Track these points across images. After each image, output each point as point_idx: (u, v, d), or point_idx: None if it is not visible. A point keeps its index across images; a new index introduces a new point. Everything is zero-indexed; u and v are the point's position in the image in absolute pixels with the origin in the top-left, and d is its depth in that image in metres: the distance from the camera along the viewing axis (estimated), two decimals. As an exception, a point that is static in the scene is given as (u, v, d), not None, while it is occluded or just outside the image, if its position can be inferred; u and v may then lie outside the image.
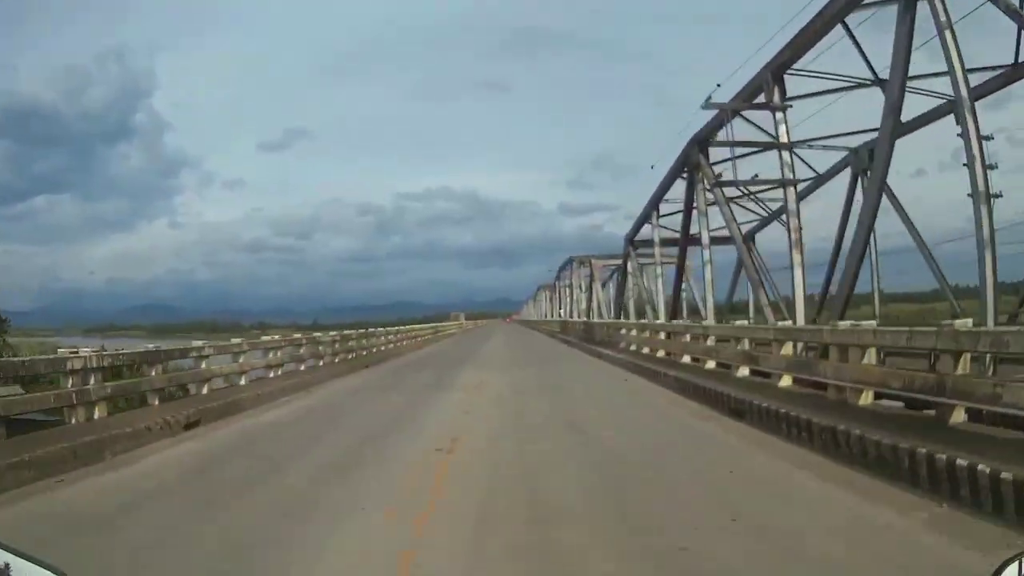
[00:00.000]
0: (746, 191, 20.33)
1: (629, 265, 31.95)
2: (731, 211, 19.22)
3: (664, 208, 25.13)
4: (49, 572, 0.93)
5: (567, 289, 58.58)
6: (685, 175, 20.98)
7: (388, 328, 33.08)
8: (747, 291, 23.10)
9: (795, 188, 15.66)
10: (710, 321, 18.87)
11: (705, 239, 20.35)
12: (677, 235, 23.44)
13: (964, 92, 9.25)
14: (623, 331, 23.69)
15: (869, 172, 15.28)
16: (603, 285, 44.74)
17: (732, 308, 25.61)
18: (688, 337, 15.96)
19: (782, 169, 15.22)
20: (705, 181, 19.06)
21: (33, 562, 0.93)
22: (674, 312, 23.77)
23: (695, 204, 20.56)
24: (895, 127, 10.93)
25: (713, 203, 19.60)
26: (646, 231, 28.19)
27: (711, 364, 13.74)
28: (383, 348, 26.31)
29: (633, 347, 21.14)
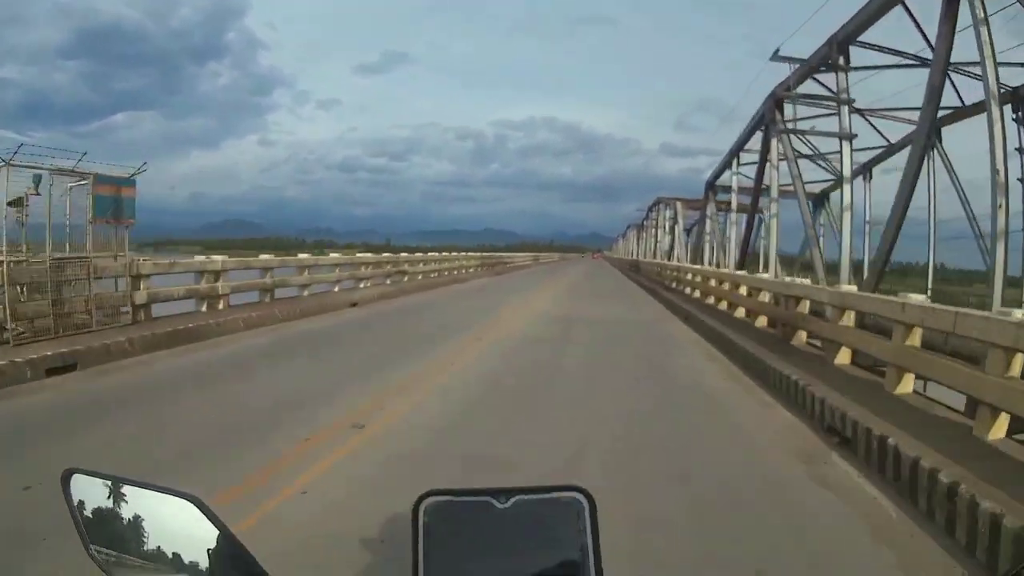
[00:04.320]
0: (815, 150, 20.62)
1: (708, 209, 32.41)
2: (798, 168, 19.59)
3: (745, 158, 25.41)
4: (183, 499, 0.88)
5: (651, 229, 58.48)
6: (763, 129, 21.36)
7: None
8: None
9: (850, 143, 16.11)
10: (768, 274, 19.87)
11: (774, 192, 20.88)
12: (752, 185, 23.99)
13: (993, 86, 9.75)
14: (689, 275, 24.74)
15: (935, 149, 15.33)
16: (687, 230, 44.83)
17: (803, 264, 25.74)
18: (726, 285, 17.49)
19: (840, 124, 15.77)
20: (771, 130, 19.63)
21: (166, 492, 0.87)
22: (741, 262, 24.53)
23: (768, 157, 21.01)
24: (935, 113, 11.51)
25: (784, 158, 20.03)
26: (726, 178, 28.53)
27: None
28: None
29: (687, 290, 22.63)
